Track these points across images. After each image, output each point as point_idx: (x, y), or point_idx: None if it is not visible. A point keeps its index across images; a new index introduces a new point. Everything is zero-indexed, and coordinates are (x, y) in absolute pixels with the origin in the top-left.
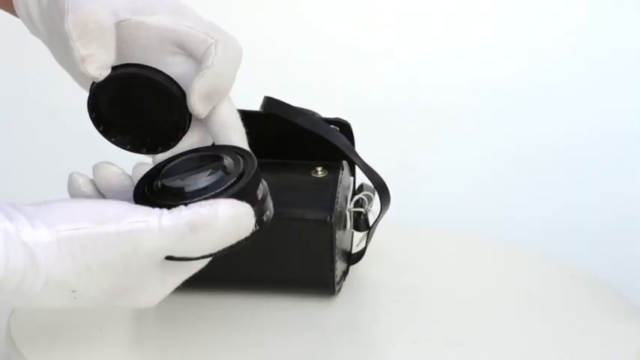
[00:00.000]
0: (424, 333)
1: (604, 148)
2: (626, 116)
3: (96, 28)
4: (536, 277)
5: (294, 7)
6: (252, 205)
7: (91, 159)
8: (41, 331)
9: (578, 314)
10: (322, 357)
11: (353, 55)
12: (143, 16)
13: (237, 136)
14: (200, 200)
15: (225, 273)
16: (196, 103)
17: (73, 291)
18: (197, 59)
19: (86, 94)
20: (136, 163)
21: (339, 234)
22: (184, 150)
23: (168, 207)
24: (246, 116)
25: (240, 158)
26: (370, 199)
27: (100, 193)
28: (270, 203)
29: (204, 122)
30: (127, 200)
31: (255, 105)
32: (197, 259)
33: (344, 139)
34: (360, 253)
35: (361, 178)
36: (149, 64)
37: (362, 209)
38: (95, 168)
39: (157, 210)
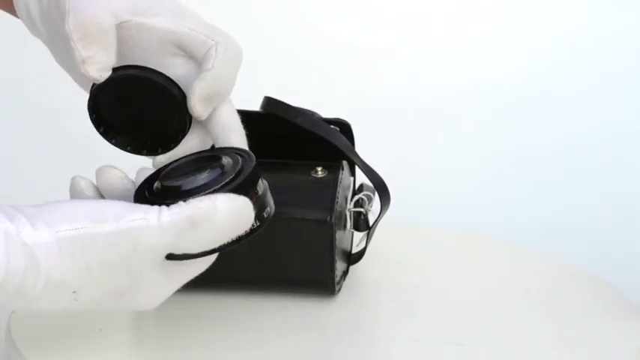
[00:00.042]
0: (424, 332)
1: (604, 148)
2: (626, 116)
3: (97, 29)
4: (536, 276)
5: (294, 7)
6: (251, 200)
7: (91, 160)
8: (41, 332)
9: (578, 313)
10: (322, 357)
11: (353, 55)
12: (144, 17)
13: (237, 138)
14: (199, 196)
15: (225, 273)
16: (197, 105)
17: (74, 292)
18: (198, 61)
19: (86, 95)
20: (139, 168)
21: (339, 234)
22: (184, 151)
23: (168, 205)
24: (246, 116)
25: (239, 157)
26: (370, 199)
27: (102, 197)
28: (270, 200)
29: (205, 124)
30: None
31: (255, 105)
32: (198, 256)
33: (344, 139)
34: (360, 253)
35: (361, 178)
36: (150, 66)
37: (362, 209)
38: (98, 172)
39: (155, 207)
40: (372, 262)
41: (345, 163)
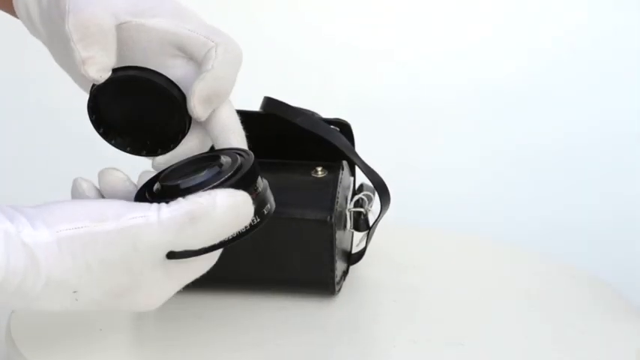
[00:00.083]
0: (424, 333)
1: (604, 148)
2: (626, 116)
3: (97, 30)
4: (536, 277)
5: (294, 7)
6: (251, 196)
7: (91, 161)
8: (41, 332)
9: (578, 314)
10: (322, 357)
11: (353, 55)
12: (144, 18)
13: (236, 139)
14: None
15: (225, 273)
16: (196, 106)
17: (74, 292)
18: (197, 62)
19: (86, 96)
20: (142, 172)
21: (339, 234)
22: (184, 152)
23: (167, 202)
24: (245, 117)
25: (238, 156)
26: (370, 199)
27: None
28: (270, 197)
29: (204, 125)
30: None
31: (255, 105)
32: (198, 253)
33: (344, 139)
34: (360, 253)
35: (361, 178)
36: (150, 67)
37: (362, 209)
38: (101, 174)
39: (155, 205)
40: (372, 262)
41: (345, 163)
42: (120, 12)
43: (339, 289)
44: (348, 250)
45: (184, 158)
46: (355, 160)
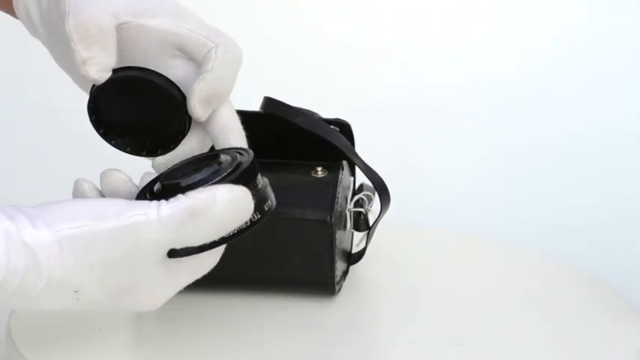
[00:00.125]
0: (424, 333)
1: (604, 148)
2: (626, 116)
3: (97, 31)
4: (536, 277)
5: (294, 7)
6: (251, 192)
7: (91, 161)
8: (41, 332)
9: (578, 314)
10: (322, 357)
11: (353, 55)
12: (144, 19)
13: (237, 139)
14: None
15: (225, 273)
16: (196, 107)
17: (76, 291)
18: (197, 63)
19: (86, 96)
20: (144, 173)
21: (339, 234)
22: (184, 152)
23: (167, 200)
24: (245, 117)
25: (238, 154)
26: (370, 199)
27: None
28: (271, 194)
29: (204, 125)
30: None
31: (255, 105)
32: (199, 250)
33: (343, 139)
34: (360, 253)
35: (361, 178)
36: (150, 67)
37: (362, 209)
38: (102, 175)
39: (154, 202)
40: (372, 262)
41: (345, 163)
42: (120, 12)
43: (339, 289)
44: (348, 250)
45: (184, 158)
46: (355, 160)
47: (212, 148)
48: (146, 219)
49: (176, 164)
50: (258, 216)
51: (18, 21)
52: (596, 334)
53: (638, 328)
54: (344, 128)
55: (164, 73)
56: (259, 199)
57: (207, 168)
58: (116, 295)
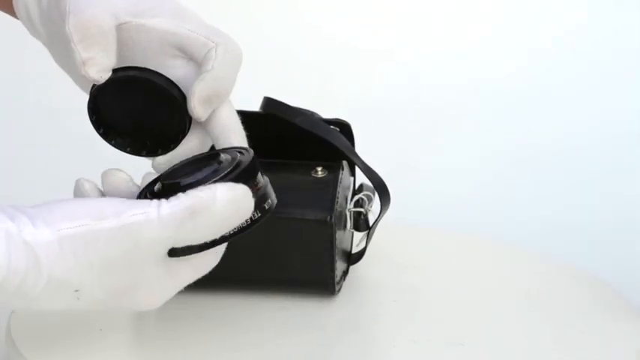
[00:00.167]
0: (424, 333)
1: (604, 148)
2: (626, 116)
3: (97, 31)
4: (536, 277)
5: (294, 7)
6: (251, 190)
7: (91, 161)
8: (41, 331)
9: (578, 314)
10: (322, 357)
11: (353, 55)
12: (144, 18)
13: (237, 139)
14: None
15: (225, 273)
16: (196, 107)
17: (76, 290)
18: (197, 62)
19: (86, 96)
20: (145, 173)
21: (339, 234)
22: (184, 152)
23: (167, 199)
24: (245, 117)
25: (238, 153)
26: (370, 199)
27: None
28: (271, 193)
29: (204, 125)
30: None
31: (254, 106)
32: (199, 249)
33: (343, 139)
34: (360, 253)
35: (361, 178)
36: (150, 67)
37: (362, 209)
38: (104, 175)
39: (155, 201)
40: (372, 262)
41: (345, 163)
42: (120, 12)
43: (339, 289)
44: (348, 250)
45: (185, 158)
46: (355, 160)
47: (212, 148)
48: (146, 218)
49: (176, 164)
50: (259, 214)
51: (18, 21)
52: (596, 334)
53: (638, 328)
54: (344, 128)
55: (164, 73)
56: (260, 198)
57: (208, 167)
58: (116, 294)
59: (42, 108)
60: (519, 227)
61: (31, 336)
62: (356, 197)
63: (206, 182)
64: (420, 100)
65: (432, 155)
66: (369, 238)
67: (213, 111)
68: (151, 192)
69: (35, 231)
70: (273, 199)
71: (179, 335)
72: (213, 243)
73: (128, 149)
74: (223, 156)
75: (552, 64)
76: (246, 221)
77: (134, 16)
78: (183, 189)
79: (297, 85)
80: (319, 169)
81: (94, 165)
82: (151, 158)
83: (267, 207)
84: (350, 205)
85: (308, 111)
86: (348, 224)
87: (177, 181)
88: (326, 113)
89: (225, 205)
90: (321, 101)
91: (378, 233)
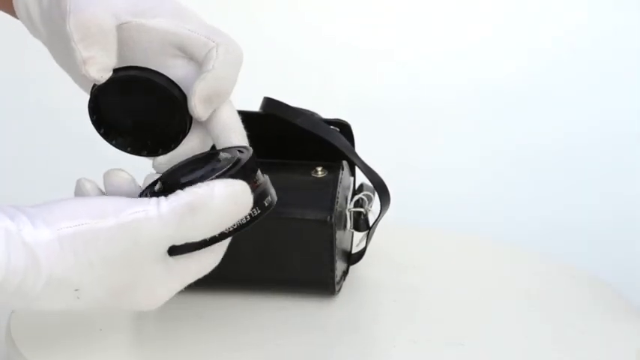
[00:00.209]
0: (424, 333)
1: (604, 148)
2: (626, 116)
3: (97, 30)
4: (536, 277)
5: (294, 7)
6: (250, 186)
7: (91, 161)
8: (41, 331)
9: (578, 314)
10: (322, 357)
11: (353, 55)
12: (144, 18)
13: (237, 138)
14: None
15: (225, 273)
16: (197, 106)
17: (76, 290)
18: (198, 62)
19: (86, 96)
20: (147, 174)
21: (339, 234)
22: (185, 152)
23: (166, 197)
24: (245, 117)
25: (237, 152)
26: (370, 199)
27: None
28: (271, 190)
29: (205, 125)
30: None
31: (255, 105)
32: (199, 246)
33: (343, 139)
34: (360, 253)
35: (361, 178)
36: (150, 67)
37: (362, 209)
38: (106, 175)
39: (154, 199)
40: (372, 262)
41: (345, 163)
42: (120, 12)
43: (339, 289)
44: (348, 250)
45: (185, 158)
46: (355, 160)
47: (213, 148)
48: (146, 215)
49: (177, 164)
50: (259, 211)
51: (18, 21)
52: (596, 334)
53: (638, 328)
54: (344, 128)
55: (165, 73)
56: (259, 195)
57: (207, 166)
58: (116, 292)
59: (42, 108)
60: (519, 227)
61: (31, 336)
62: (356, 197)
63: (205, 179)
64: (420, 100)
65: (432, 155)
66: (369, 238)
67: (214, 111)
68: (151, 192)
69: (35, 231)
70: (273, 196)
71: (179, 335)
72: (213, 240)
73: (129, 149)
74: (223, 155)
75: (552, 64)
76: (246, 217)
77: (135, 16)
78: (183, 187)
79: (297, 85)
80: (319, 169)
81: (94, 165)
82: (152, 158)
83: (266, 204)
84: (350, 205)
85: (308, 111)
86: (348, 224)
87: (177, 180)
88: (326, 113)
89: (224, 200)
90: (321, 101)
91: (378, 233)
